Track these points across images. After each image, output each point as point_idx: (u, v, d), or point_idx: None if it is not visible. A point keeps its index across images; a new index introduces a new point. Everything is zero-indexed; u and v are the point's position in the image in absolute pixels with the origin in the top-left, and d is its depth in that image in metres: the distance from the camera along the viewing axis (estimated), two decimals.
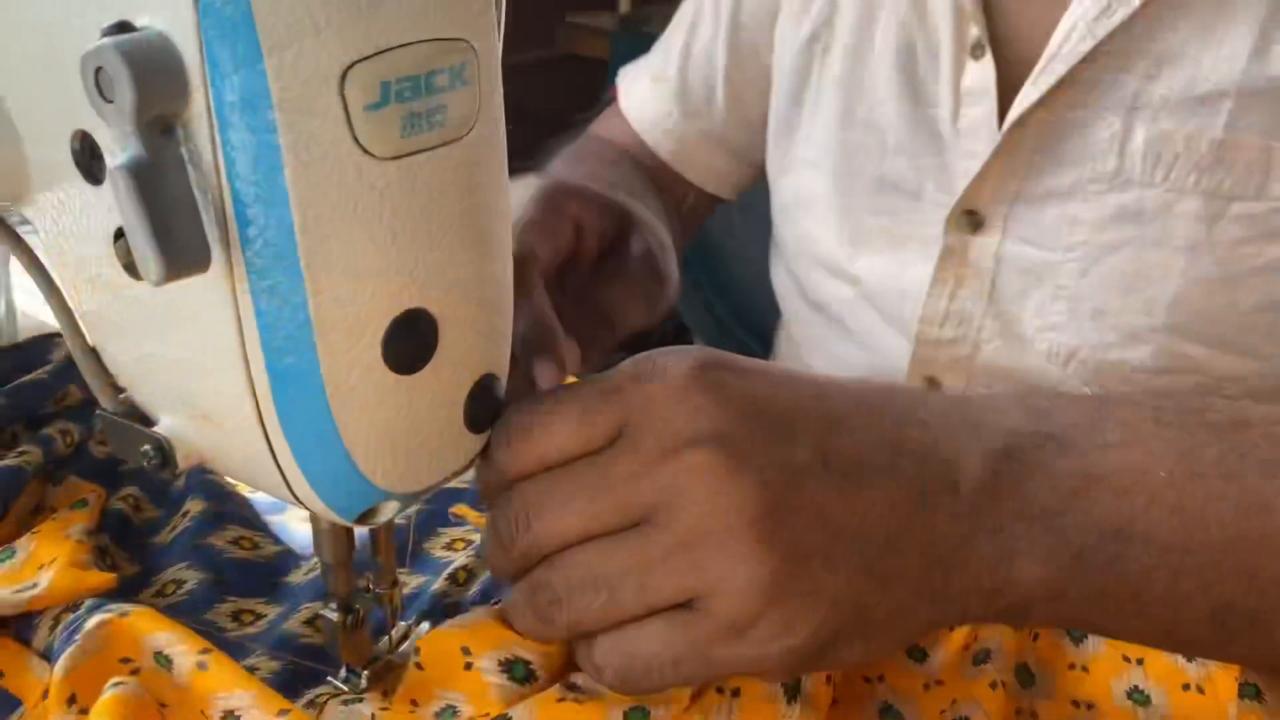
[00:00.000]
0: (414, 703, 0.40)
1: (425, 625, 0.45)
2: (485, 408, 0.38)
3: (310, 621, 0.47)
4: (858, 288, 0.78)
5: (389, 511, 0.37)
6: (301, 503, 0.36)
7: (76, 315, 0.37)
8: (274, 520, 0.55)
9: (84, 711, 0.38)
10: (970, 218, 0.72)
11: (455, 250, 0.34)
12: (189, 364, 0.34)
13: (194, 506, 0.52)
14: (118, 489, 0.55)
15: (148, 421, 0.37)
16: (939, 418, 0.40)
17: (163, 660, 0.39)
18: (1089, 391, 0.44)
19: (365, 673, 0.42)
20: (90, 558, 0.46)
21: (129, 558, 0.51)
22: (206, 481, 0.54)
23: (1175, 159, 0.65)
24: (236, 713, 0.37)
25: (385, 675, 0.43)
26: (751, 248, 0.93)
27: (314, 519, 0.40)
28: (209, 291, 0.32)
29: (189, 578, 0.48)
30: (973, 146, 0.71)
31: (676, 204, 0.91)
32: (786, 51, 0.82)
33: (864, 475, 0.37)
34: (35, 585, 0.42)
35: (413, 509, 0.53)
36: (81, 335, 0.37)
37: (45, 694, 0.39)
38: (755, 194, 0.86)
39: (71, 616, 0.41)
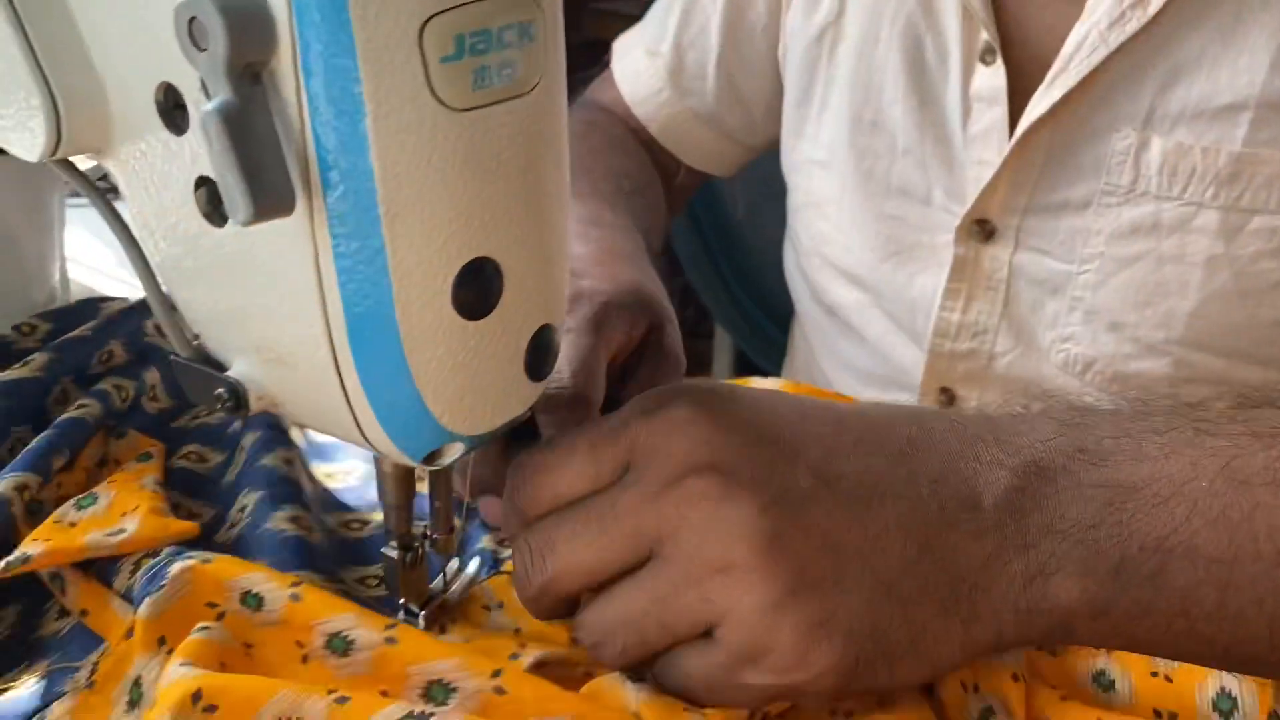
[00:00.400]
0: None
1: (476, 561, 0.47)
2: (543, 357, 0.39)
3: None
4: (869, 294, 0.78)
5: (453, 453, 0.38)
6: (371, 444, 0.38)
7: (153, 265, 0.39)
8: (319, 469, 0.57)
9: (173, 653, 0.40)
10: (981, 227, 0.71)
11: (520, 203, 0.35)
12: (266, 310, 0.36)
13: (249, 439, 0.54)
14: (175, 445, 0.57)
15: (220, 367, 0.39)
16: (958, 435, 0.39)
17: (251, 600, 0.40)
18: (1119, 401, 0.42)
19: (423, 613, 0.44)
20: (167, 507, 0.48)
21: (203, 503, 0.52)
22: (259, 419, 0.55)
23: (1193, 172, 0.63)
24: (343, 633, 0.39)
25: (441, 616, 0.44)
26: (776, 236, 0.94)
27: (378, 463, 0.42)
28: (290, 238, 0.33)
29: (250, 500, 0.50)
30: (983, 154, 0.70)
31: (667, 179, 0.90)
32: (796, 45, 0.80)
33: (873, 497, 0.37)
34: (123, 530, 0.44)
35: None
36: (157, 284, 0.39)
37: (129, 633, 0.41)
38: (780, 181, 0.87)
39: (152, 562, 0.42)
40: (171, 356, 0.39)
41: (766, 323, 1.23)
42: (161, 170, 0.36)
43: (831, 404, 0.41)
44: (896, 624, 0.36)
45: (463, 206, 0.34)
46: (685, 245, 1.27)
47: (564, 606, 0.40)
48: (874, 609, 0.36)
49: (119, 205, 0.39)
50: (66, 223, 0.70)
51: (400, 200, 0.32)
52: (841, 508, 0.37)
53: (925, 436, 0.39)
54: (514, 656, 0.40)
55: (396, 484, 0.42)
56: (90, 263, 0.80)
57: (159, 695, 0.35)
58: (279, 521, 0.47)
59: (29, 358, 0.56)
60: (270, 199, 0.31)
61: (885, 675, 0.37)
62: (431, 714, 0.34)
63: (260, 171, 0.30)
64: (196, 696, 0.33)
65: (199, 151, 0.34)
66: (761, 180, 1.08)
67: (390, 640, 0.38)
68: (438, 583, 0.45)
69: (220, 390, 0.38)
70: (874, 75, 0.75)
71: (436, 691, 0.38)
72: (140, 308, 0.64)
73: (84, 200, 1.08)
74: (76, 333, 0.60)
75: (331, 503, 0.54)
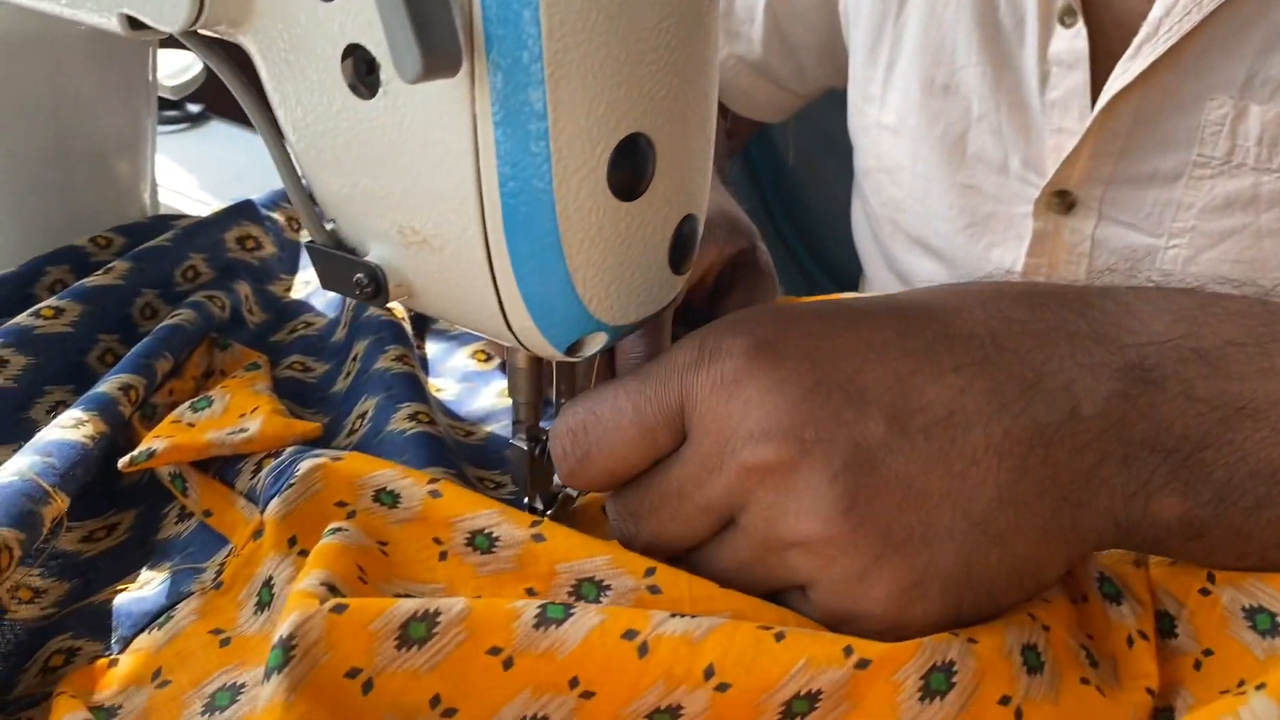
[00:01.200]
0: None
1: None
2: (685, 248, 0.38)
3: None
4: (945, 265, 0.75)
5: (595, 345, 0.37)
6: (513, 332, 0.36)
7: (289, 147, 0.38)
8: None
9: (304, 554, 0.39)
10: (1062, 199, 0.67)
11: (674, 80, 0.34)
12: (413, 187, 0.34)
13: (360, 347, 0.53)
14: (276, 359, 0.56)
15: (356, 253, 0.38)
16: (1051, 331, 0.35)
17: (386, 497, 0.39)
18: (1251, 299, 0.37)
19: (548, 514, 0.43)
20: (285, 409, 0.46)
21: (314, 413, 0.51)
22: (368, 321, 0.54)
23: None
24: (487, 530, 0.38)
25: (564, 510, 0.43)
26: (838, 195, 0.92)
27: (511, 357, 0.41)
28: (447, 104, 0.32)
29: (369, 406, 0.49)
30: (1062, 122, 0.66)
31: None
32: (860, 1, 0.77)
33: (955, 428, 0.33)
34: (245, 430, 0.43)
35: None
36: (293, 167, 0.38)
37: (256, 534, 0.40)
38: (840, 134, 0.84)
39: (276, 461, 0.41)
40: (306, 243, 0.38)
41: (832, 286, 1.21)
42: (306, 41, 0.34)
43: (892, 303, 0.37)
44: (995, 562, 0.33)
45: (622, 75, 0.32)
46: (742, 203, 1.25)
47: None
48: (969, 553, 0.33)
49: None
50: (156, 149, 0.69)
51: (565, 63, 0.31)
52: (921, 450, 0.33)
53: (1008, 332, 0.35)
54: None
55: (529, 378, 0.41)
56: (177, 188, 0.79)
57: (288, 598, 0.33)
58: (400, 421, 0.46)
59: (109, 266, 0.55)
60: (439, 55, 0.29)
61: (990, 608, 0.34)
62: (575, 605, 0.33)
63: (429, 25, 0.29)
64: (324, 599, 0.32)
65: (348, 18, 0.33)
66: (818, 132, 1.05)
67: (537, 537, 0.37)
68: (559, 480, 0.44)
69: (359, 275, 0.37)
70: (945, 36, 0.71)
71: (588, 590, 0.36)
72: (217, 221, 0.62)
73: (172, 128, 1.08)
74: (154, 243, 0.58)
75: (441, 408, 0.53)
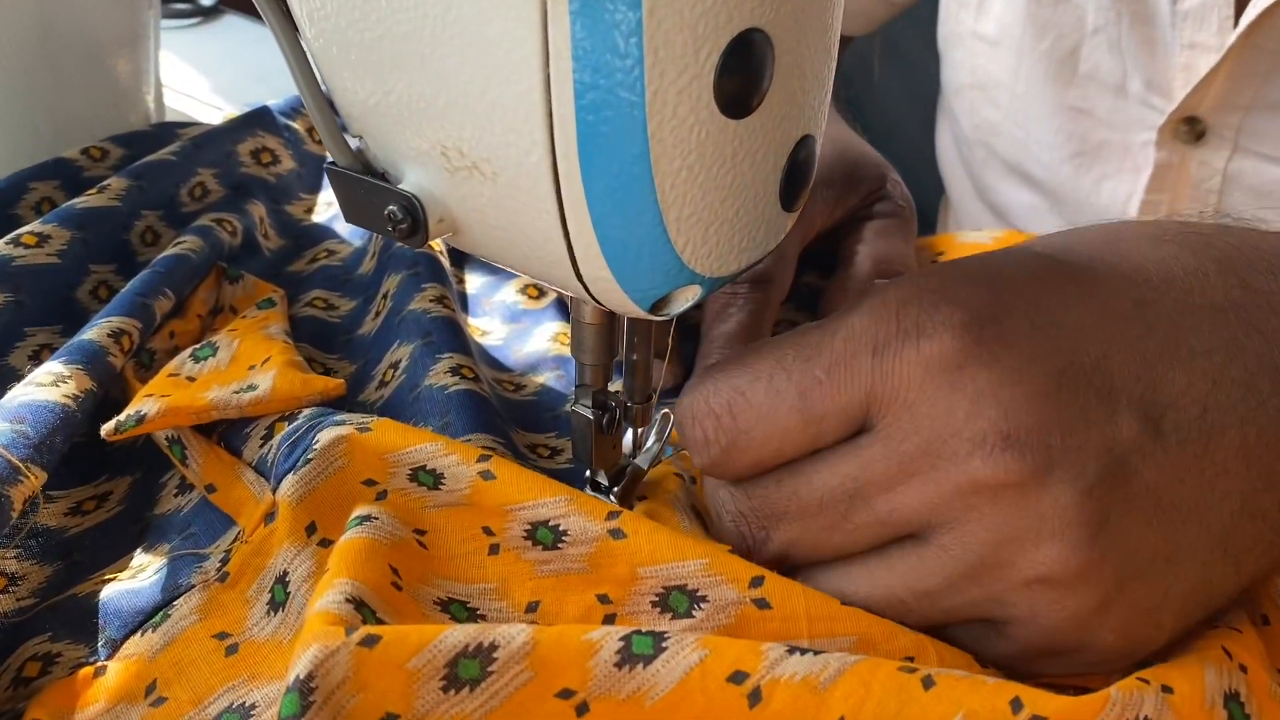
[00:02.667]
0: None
1: (667, 412, 0.38)
2: (800, 177, 0.30)
3: None
4: (1046, 198, 0.67)
5: (685, 300, 0.30)
6: (585, 283, 0.29)
7: (304, 44, 0.30)
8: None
9: (325, 544, 0.32)
10: (1191, 127, 0.58)
11: None
12: (461, 97, 0.27)
13: (391, 283, 0.46)
14: (294, 292, 0.49)
15: (386, 180, 0.30)
16: None
17: (425, 477, 0.32)
18: None
19: (615, 490, 0.36)
20: (302, 360, 0.39)
21: (339, 358, 0.44)
22: (401, 253, 0.47)
23: None
24: (552, 521, 0.31)
25: (633, 488, 0.37)
26: (909, 124, 0.83)
27: (577, 310, 0.33)
28: None
29: (403, 355, 0.42)
30: (1196, 36, 0.57)
31: None
32: None
33: (1209, 430, 0.28)
34: (254, 387, 0.36)
35: None
36: (309, 68, 0.30)
37: (268, 517, 0.33)
38: (906, 40, 0.74)
39: (289, 427, 0.34)
40: (326, 166, 0.31)
41: None
42: None
43: (1109, 255, 0.31)
44: (1229, 583, 0.29)
45: None
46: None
47: None
48: (1208, 574, 0.28)
49: None
50: (161, 46, 0.61)
51: None
52: (1174, 458, 0.28)
53: (1252, 306, 0.29)
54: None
55: (598, 336, 0.33)
56: (185, 90, 0.71)
57: (306, 622, 0.27)
58: (441, 375, 0.39)
59: (105, 184, 0.47)
60: None
61: (1201, 622, 0.30)
62: (667, 635, 0.26)
63: None
64: (350, 630, 0.25)
65: None
66: (881, 36, 0.96)
67: (615, 533, 0.30)
68: (625, 445, 0.37)
69: (391, 208, 0.29)
70: None
71: (677, 600, 0.30)
72: (228, 130, 0.54)
73: (180, 22, 0.99)
74: (156, 157, 0.50)
75: (484, 357, 0.46)
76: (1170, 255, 0.31)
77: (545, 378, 0.44)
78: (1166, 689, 0.26)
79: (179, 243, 0.45)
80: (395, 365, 0.41)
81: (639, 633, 0.26)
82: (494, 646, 0.25)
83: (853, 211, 0.48)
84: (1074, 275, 0.30)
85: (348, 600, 0.27)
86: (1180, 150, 0.59)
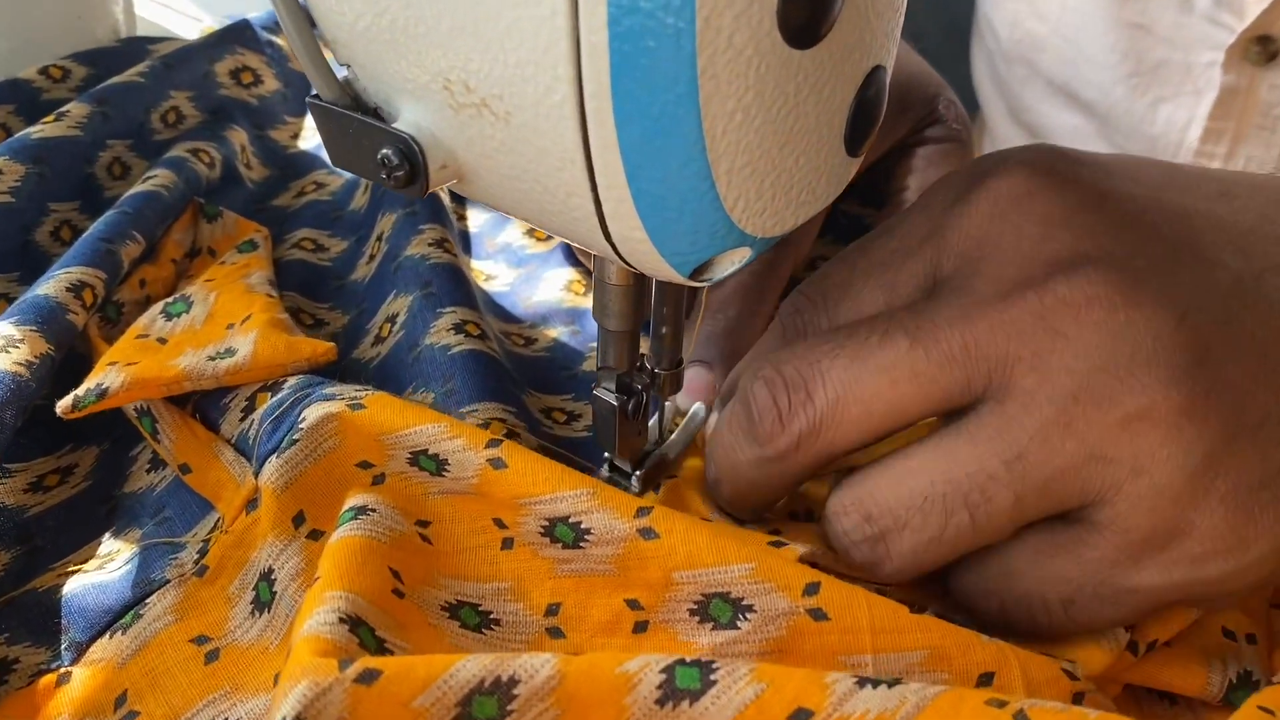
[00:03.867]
0: None
1: (700, 408, 0.35)
2: (869, 114, 0.26)
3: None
4: (1094, 121, 0.61)
5: (731, 264, 0.25)
6: (613, 243, 0.25)
7: None
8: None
9: (315, 535, 0.28)
10: (1264, 47, 0.53)
11: None
12: (467, 20, 0.22)
13: (387, 222, 0.41)
14: (280, 231, 0.44)
15: (381, 117, 0.26)
16: None
17: (427, 462, 0.28)
18: None
19: (637, 474, 0.32)
20: (287, 317, 0.35)
21: (330, 307, 0.40)
22: (394, 194, 0.42)
23: None
24: (573, 518, 0.27)
25: (657, 476, 0.33)
26: (931, 30, 0.77)
27: (598, 271, 0.29)
28: None
29: (401, 307, 0.37)
30: None
31: None
32: None
33: None
34: (231, 352, 0.32)
35: None
36: None
37: (250, 504, 0.29)
38: None
39: (273, 400, 0.30)
40: (309, 99, 0.26)
41: None
42: None
43: (1197, 167, 0.29)
44: None
45: None
46: None
47: (823, 469, 0.28)
48: None
49: None
50: None
51: None
52: (1279, 314, 0.25)
53: None
54: (775, 544, 0.28)
55: (626, 300, 0.29)
56: None
57: (294, 650, 0.23)
58: (443, 333, 0.34)
59: (63, 110, 0.42)
60: None
61: None
62: (715, 665, 0.22)
63: None
64: (345, 663, 0.21)
65: None
66: None
67: (646, 532, 0.26)
68: (652, 428, 0.33)
69: (385, 151, 0.25)
70: None
71: (719, 610, 0.26)
72: (204, 48, 0.49)
73: None
74: (123, 79, 0.45)
75: (490, 306, 0.41)
76: (1260, 178, 0.29)
77: (558, 332, 0.40)
78: None
79: (149, 177, 0.40)
80: (392, 319, 0.37)
81: (683, 662, 0.22)
82: (514, 681, 0.22)
83: (902, 140, 0.43)
84: (1156, 161, 0.29)
85: (342, 620, 0.23)
86: (1249, 73, 0.54)
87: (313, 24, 0.26)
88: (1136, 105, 0.59)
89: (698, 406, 0.35)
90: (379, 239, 0.41)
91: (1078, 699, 0.25)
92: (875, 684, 0.22)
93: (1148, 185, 0.27)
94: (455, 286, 0.37)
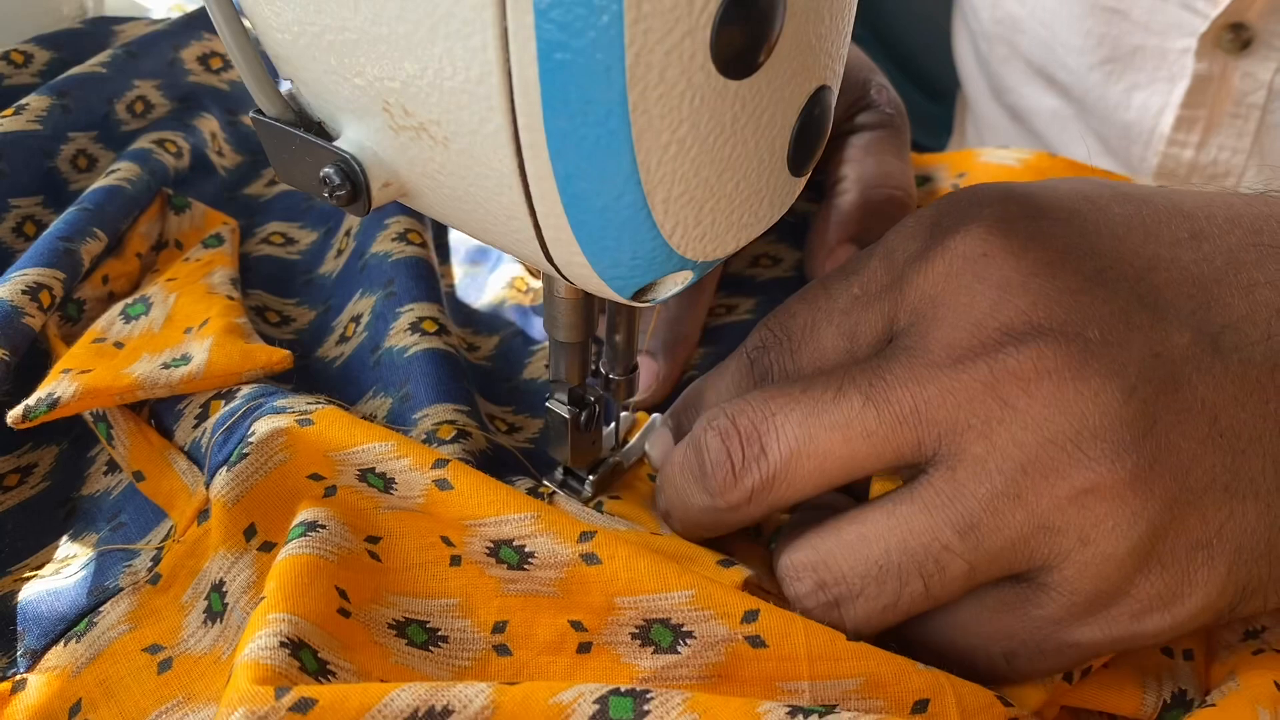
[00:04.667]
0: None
1: (657, 417, 0.35)
2: (813, 136, 0.25)
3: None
4: (1071, 105, 0.61)
5: (674, 286, 0.25)
6: (557, 267, 0.25)
7: None
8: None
9: (267, 548, 0.28)
10: (1236, 34, 0.53)
11: None
12: (403, 46, 0.22)
13: (354, 219, 0.41)
14: (251, 221, 0.44)
15: (326, 135, 0.25)
16: None
17: (375, 480, 0.28)
18: None
19: (590, 479, 0.32)
20: (246, 321, 0.35)
21: (297, 303, 0.40)
22: None
23: None
24: (516, 542, 0.27)
25: (611, 482, 0.33)
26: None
27: (546, 285, 0.29)
28: None
29: (365, 308, 0.37)
30: None
31: None
32: None
33: (1274, 356, 0.25)
34: (186, 360, 0.32)
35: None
36: (231, 6, 0.25)
37: (202, 515, 0.29)
38: None
39: (226, 409, 0.30)
40: (253, 114, 0.26)
41: (922, 99, 1.04)
42: None
43: (1170, 197, 0.28)
44: None
45: None
46: None
47: (774, 514, 0.28)
48: (1274, 519, 0.25)
49: None
50: None
51: None
52: (1235, 376, 0.25)
53: None
54: (724, 563, 0.28)
55: (575, 313, 0.29)
56: None
57: (234, 674, 0.23)
58: (400, 334, 0.34)
59: (22, 103, 0.41)
60: None
61: (1258, 605, 0.26)
62: (650, 695, 0.23)
63: None
64: (281, 691, 0.22)
65: None
66: None
67: (589, 558, 0.26)
68: (609, 434, 0.34)
69: (327, 170, 0.25)
70: None
71: (660, 634, 0.26)
72: (169, 33, 0.48)
73: None
74: (82, 69, 0.44)
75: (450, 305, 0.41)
76: (1239, 202, 0.28)
77: (501, 335, 0.40)
78: None
79: (111, 171, 0.40)
80: (357, 319, 0.37)
81: (618, 692, 0.22)
82: (448, 711, 0.22)
83: (836, 126, 0.43)
84: (1127, 198, 0.28)
85: (283, 644, 0.23)
86: (1222, 60, 0.54)
87: (251, 37, 0.25)
88: (1111, 91, 0.58)
89: (655, 416, 0.35)
90: (347, 234, 0.41)
91: None
92: (807, 713, 0.22)
93: (1110, 234, 0.27)
94: (416, 281, 0.37)
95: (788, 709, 0.22)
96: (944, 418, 0.25)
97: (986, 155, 0.48)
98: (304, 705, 0.22)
